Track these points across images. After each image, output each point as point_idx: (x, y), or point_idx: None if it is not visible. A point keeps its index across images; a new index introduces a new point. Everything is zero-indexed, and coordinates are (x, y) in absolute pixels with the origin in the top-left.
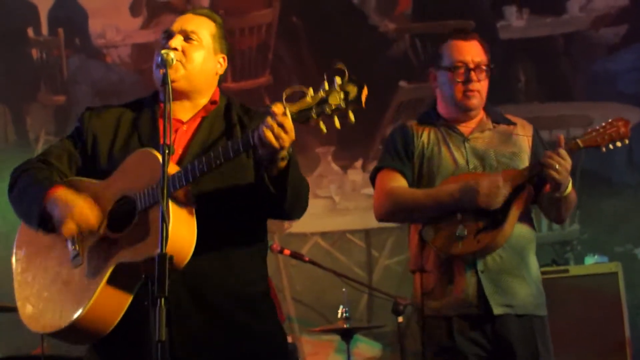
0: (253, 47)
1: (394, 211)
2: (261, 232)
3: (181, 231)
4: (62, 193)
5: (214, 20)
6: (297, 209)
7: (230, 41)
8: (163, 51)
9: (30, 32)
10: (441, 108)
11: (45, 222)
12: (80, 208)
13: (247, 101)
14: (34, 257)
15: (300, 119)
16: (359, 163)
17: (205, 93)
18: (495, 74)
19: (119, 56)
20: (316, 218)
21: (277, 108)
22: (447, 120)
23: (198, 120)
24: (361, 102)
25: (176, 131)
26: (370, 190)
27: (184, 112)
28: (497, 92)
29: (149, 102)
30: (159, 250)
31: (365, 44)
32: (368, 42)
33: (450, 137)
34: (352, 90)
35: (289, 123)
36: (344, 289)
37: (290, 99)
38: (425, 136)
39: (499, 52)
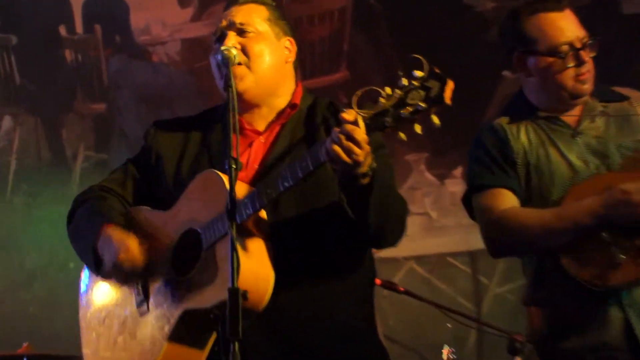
0: (325, 38)
1: (516, 243)
2: (360, 255)
3: (254, 266)
4: (110, 233)
5: (263, 3)
6: (388, 235)
7: (297, 32)
8: (223, 47)
9: (63, 30)
10: (535, 98)
11: (102, 265)
12: (125, 251)
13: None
14: (100, 301)
15: (375, 126)
16: (458, 171)
17: (282, 90)
18: (617, 55)
19: (166, 54)
20: (410, 239)
21: (347, 115)
22: (546, 111)
23: (276, 129)
24: (444, 99)
25: (251, 145)
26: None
27: (261, 120)
28: (618, 76)
29: (221, 111)
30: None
31: (459, 27)
32: (462, 25)
33: (555, 133)
34: (434, 86)
35: (360, 134)
36: (448, 325)
37: (363, 103)
38: (524, 136)
39: (621, 28)
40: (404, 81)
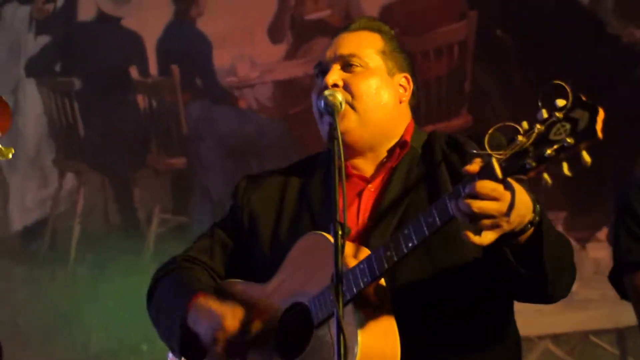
0: (442, 77)
1: None
2: (504, 320)
3: (379, 344)
4: (206, 303)
5: (379, 31)
6: (561, 286)
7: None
8: (327, 92)
9: (134, 72)
10: None
11: (191, 345)
12: (230, 318)
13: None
14: None
15: (513, 169)
16: (603, 233)
17: (391, 135)
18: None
19: (256, 99)
20: (544, 314)
21: (471, 166)
22: None
23: (386, 173)
24: (596, 133)
25: (360, 194)
26: None
27: (368, 164)
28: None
29: (322, 161)
30: None
31: (602, 61)
32: (607, 58)
33: None
34: (582, 116)
35: (486, 185)
36: None
37: (496, 144)
38: None
39: None
40: (544, 113)
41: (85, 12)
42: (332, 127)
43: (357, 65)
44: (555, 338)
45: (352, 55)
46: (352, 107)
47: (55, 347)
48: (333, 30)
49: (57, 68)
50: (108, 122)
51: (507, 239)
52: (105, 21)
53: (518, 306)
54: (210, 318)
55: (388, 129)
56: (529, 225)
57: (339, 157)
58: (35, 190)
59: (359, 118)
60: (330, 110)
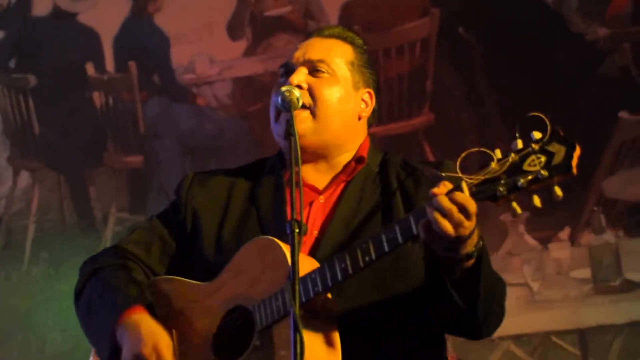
0: (404, 74)
1: None
2: (438, 346)
3: (319, 356)
4: (138, 321)
5: (352, 42)
6: (490, 324)
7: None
8: (283, 88)
9: (90, 68)
10: None
11: (117, 352)
12: (151, 348)
13: (398, 152)
14: None
15: (484, 195)
16: (565, 233)
17: (348, 147)
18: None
19: (215, 96)
20: (507, 315)
21: (442, 188)
22: None
23: (340, 186)
24: (572, 169)
25: (310, 205)
26: (584, 273)
27: (320, 176)
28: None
29: (272, 164)
30: None
31: (565, 60)
32: (570, 57)
33: None
34: (558, 150)
35: (471, 204)
36: None
37: (466, 168)
38: None
39: None
40: (520, 143)
41: (41, 8)
42: (289, 124)
43: (324, 72)
44: (517, 339)
45: (321, 61)
46: (312, 112)
47: (10, 348)
48: (293, 27)
49: (12, 64)
50: (64, 119)
51: (449, 266)
52: (60, 17)
53: None
54: (144, 336)
55: (342, 141)
56: (465, 257)
57: (296, 154)
58: None
59: (315, 123)
60: (287, 106)
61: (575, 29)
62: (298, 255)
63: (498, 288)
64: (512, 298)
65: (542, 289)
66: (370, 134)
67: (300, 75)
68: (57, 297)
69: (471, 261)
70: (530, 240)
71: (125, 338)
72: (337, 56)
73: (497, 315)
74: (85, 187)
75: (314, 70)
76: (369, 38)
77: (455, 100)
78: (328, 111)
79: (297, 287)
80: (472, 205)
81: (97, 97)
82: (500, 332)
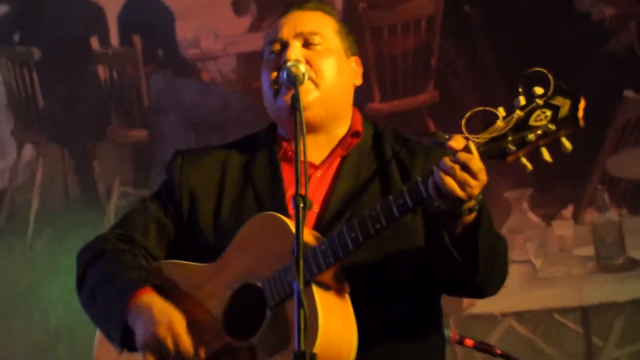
0: (409, 51)
1: None
2: (436, 316)
3: (336, 329)
4: (149, 302)
5: (330, 13)
6: (492, 281)
7: (377, 44)
8: (290, 64)
9: (95, 42)
10: None
11: (129, 335)
12: (166, 327)
13: (403, 128)
14: None
15: (492, 153)
16: (568, 211)
17: (344, 118)
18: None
19: (219, 71)
20: (509, 292)
21: (457, 142)
22: None
23: (337, 161)
24: (579, 120)
25: (308, 179)
26: (586, 251)
27: (317, 150)
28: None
29: (263, 139)
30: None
31: (570, 39)
32: (575, 36)
33: None
34: (563, 104)
35: (476, 163)
36: None
37: (472, 127)
38: None
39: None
40: (522, 100)
41: None
42: (295, 99)
43: (317, 44)
44: (519, 316)
45: (314, 33)
46: (315, 83)
47: (13, 322)
48: (298, 2)
49: (16, 38)
50: (68, 93)
51: (450, 221)
52: None
53: None
54: (157, 316)
55: (343, 111)
56: (467, 212)
57: (302, 129)
58: None
59: (320, 94)
60: (294, 81)
61: (581, 8)
62: (302, 230)
63: (499, 245)
64: (515, 275)
65: (545, 267)
66: (368, 110)
67: (297, 50)
68: (61, 271)
69: (472, 215)
70: (533, 217)
71: (138, 320)
72: (326, 27)
73: (499, 272)
74: (89, 161)
75: (307, 43)
76: (375, 14)
77: (459, 77)
78: (330, 81)
79: (301, 263)
80: (475, 163)
81: (102, 71)
82: (502, 309)
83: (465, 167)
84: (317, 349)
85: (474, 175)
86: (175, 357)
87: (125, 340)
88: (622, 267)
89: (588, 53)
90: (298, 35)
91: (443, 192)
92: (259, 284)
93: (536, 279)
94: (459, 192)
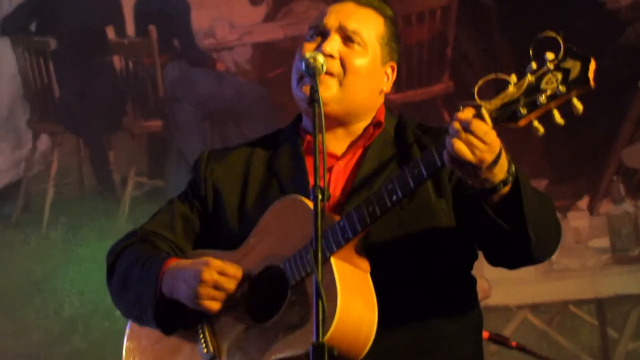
0: (424, 42)
1: None
2: (466, 295)
3: (355, 305)
4: (176, 264)
5: (384, 14)
6: (548, 244)
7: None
8: (307, 54)
9: (110, 32)
10: None
11: (165, 318)
12: (208, 272)
13: (418, 119)
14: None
15: (505, 117)
16: (584, 202)
17: (366, 116)
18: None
19: (234, 62)
20: (524, 284)
21: (463, 113)
22: None
23: (359, 151)
24: (589, 81)
25: (330, 170)
26: (601, 243)
27: (337, 142)
28: None
29: (288, 133)
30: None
31: (586, 29)
32: (590, 26)
33: None
34: (574, 66)
35: (480, 126)
36: None
37: (485, 96)
38: None
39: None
40: (534, 65)
41: None
42: (313, 90)
43: (356, 44)
44: (535, 308)
45: (355, 32)
46: (340, 81)
47: (28, 312)
48: None
49: (33, 27)
50: (83, 83)
51: (483, 195)
52: None
53: (497, 275)
54: (187, 277)
55: (362, 112)
56: (501, 185)
57: (320, 121)
58: (9, 151)
59: (341, 92)
60: (312, 72)
61: None
62: (321, 221)
63: (544, 203)
64: (530, 267)
65: (561, 258)
66: (387, 102)
67: (334, 44)
68: (75, 261)
69: (507, 187)
70: None
71: (176, 282)
72: (371, 29)
73: (552, 229)
74: (105, 151)
75: (347, 40)
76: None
77: (474, 67)
78: (356, 82)
79: (319, 253)
80: (479, 126)
81: (117, 61)
82: (517, 301)
83: (468, 129)
84: (335, 325)
85: (481, 139)
86: (229, 289)
87: (159, 319)
88: (638, 258)
89: (603, 43)
90: (340, 29)
91: (453, 157)
92: (281, 265)
93: (551, 271)
94: (468, 155)
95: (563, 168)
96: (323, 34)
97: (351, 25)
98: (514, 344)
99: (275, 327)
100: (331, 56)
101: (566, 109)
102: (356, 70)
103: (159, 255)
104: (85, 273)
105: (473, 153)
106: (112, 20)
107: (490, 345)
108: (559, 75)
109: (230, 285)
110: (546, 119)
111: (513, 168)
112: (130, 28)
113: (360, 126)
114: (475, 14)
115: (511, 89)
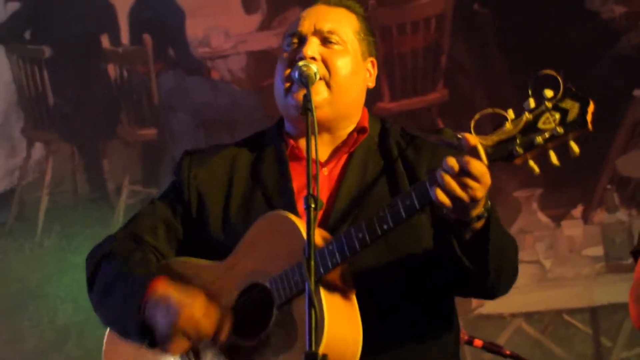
0: (419, 50)
1: None
2: (450, 316)
3: (342, 329)
4: (163, 291)
5: (355, 11)
6: (502, 283)
7: (387, 43)
8: (301, 63)
9: (105, 40)
10: None
11: (145, 332)
12: (188, 313)
13: (412, 127)
14: None
15: (500, 155)
16: (578, 211)
17: (353, 118)
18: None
19: (229, 70)
20: (518, 293)
21: (473, 139)
22: None
23: (343, 157)
24: (587, 124)
25: (314, 177)
26: (595, 251)
27: (322, 148)
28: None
29: (271, 137)
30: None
31: (580, 38)
32: (585, 35)
33: None
34: (572, 107)
35: (478, 167)
36: None
37: (481, 127)
38: None
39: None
40: (532, 102)
41: None
42: (307, 99)
43: (335, 43)
44: (528, 316)
45: (332, 32)
46: (327, 83)
47: (22, 319)
48: (308, 2)
49: (27, 35)
50: (78, 91)
51: (459, 229)
52: None
53: None
54: (175, 303)
55: (352, 112)
56: (476, 219)
57: (313, 130)
58: (3, 159)
59: (331, 95)
60: (305, 81)
61: (591, 7)
62: (314, 231)
63: (509, 245)
64: (524, 275)
65: (554, 267)
66: (377, 109)
67: (314, 47)
68: (69, 269)
69: (481, 222)
70: (543, 217)
71: (157, 312)
72: (346, 26)
73: (509, 272)
74: (99, 160)
75: (325, 41)
76: (384, 12)
77: (469, 76)
78: (342, 82)
79: (312, 263)
80: (477, 167)
81: (112, 69)
82: (511, 309)
83: (467, 172)
84: (322, 349)
85: (476, 178)
86: (198, 343)
87: (142, 335)
88: (632, 267)
89: (598, 52)
90: (317, 32)
91: (445, 193)
92: (267, 284)
93: (545, 280)
94: (460, 193)
95: (557, 177)
96: (300, 40)
97: (326, 26)
98: (507, 352)
99: (259, 348)
100: (313, 58)
101: (562, 148)
102: (340, 69)
103: (141, 271)
104: (79, 281)
105: (466, 191)
106: (107, 29)
107: (484, 353)
108: (557, 116)
109: (202, 338)
110: (541, 157)
111: (489, 203)
112: (125, 36)
113: (345, 132)
114: (470, 23)
115: (508, 125)
